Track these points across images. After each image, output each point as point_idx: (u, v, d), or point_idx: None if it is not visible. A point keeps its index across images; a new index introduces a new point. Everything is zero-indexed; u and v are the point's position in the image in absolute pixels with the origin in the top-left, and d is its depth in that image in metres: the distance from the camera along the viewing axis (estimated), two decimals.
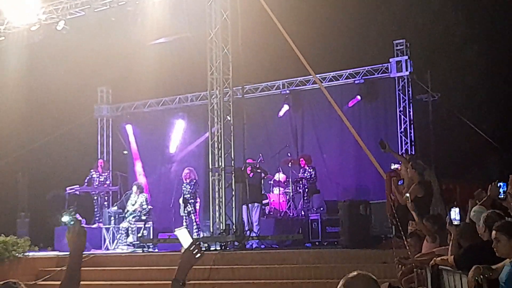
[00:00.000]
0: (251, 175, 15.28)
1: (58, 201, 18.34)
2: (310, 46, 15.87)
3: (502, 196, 7.33)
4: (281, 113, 18.06)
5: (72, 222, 4.00)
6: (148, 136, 20.11)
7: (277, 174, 16.57)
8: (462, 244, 6.82)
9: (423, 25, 21.17)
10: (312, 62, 14.76)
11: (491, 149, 17.07)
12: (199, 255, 3.77)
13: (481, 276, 5.64)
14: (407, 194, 9.10)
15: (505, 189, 7.32)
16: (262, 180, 15.97)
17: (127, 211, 16.96)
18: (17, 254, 13.28)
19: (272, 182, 16.62)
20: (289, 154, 16.94)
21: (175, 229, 4.01)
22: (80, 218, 4.15)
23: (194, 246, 3.77)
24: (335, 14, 17.06)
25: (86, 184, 18.26)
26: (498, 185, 7.42)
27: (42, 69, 17.72)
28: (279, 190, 16.37)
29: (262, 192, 16.17)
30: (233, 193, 14.10)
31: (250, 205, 14.77)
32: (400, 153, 15.93)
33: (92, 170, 18.61)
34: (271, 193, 16.50)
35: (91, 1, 15.58)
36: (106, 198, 19.06)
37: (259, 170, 15.66)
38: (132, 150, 20.41)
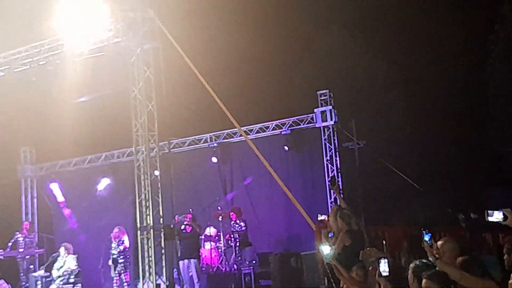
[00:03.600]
0: (188, 230, 15.08)
1: None
2: (235, 99, 16.05)
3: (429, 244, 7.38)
4: (214, 160, 17.94)
5: None
6: (75, 194, 19.65)
7: (208, 228, 16.38)
8: None
9: (345, 73, 21.71)
10: (238, 115, 14.80)
11: (415, 192, 17.42)
12: None
13: None
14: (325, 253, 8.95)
15: (429, 238, 7.38)
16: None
17: (55, 274, 16.42)
18: None
19: (203, 237, 16.42)
20: (219, 208, 16.81)
21: None
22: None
23: None
24: (260, 67, 17.33)
25: (10, 247, 17.64)
26: (425, 234, 7.48)
27: None
28: (211, 245, 16.17)
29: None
30: (163, 251, 13.82)
31: (186, 261, 14.54)
32: (329, 203, 16.08)
33: (17, 233, 18.03)
34: (202, 248, 16.28)
35: (10, 61, 15.28)
36: (32, 261, 18.44)
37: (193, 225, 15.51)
38: (60, 204, 19.89)
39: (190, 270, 14.56)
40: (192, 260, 14.70)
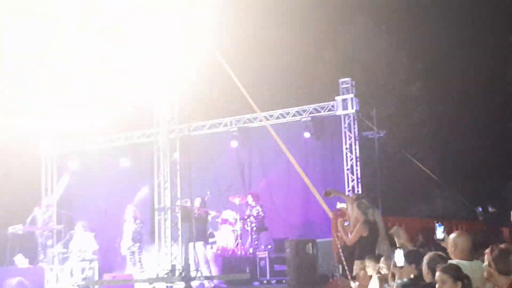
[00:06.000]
0: (199, 213, 15.18)
1: (0, 241, 17.84)
2: (257, 84, 16.04)
3: (442, 237, 7.37)
4: (233, 144, 17.99)
5: None
6: (94, 173, 19.80)
7: (224, 212, 16.45)
8: None
9: (368, 63, 21.60)
10: (259, 100, 14.88)
11: (435, 185, 17.36)
12: None
13: None
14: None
15: (443, 230, 7.37)
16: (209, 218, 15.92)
17: (72, 250, 16.62)
18: None
19: (219, 220, 16.50)
20: (236, 192, 16.87)
21: None
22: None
23: None
24: (282, 53, 17.30)
25: (29, 223, 17.84)
26: (438, 226, 7.47)
27: None
28: (227, 228, 16.24)
29: (209, 231, 16.12)
30: (179, 232, 13.92)
31: (196, 243, 14.61)
32: (346, 191, 16.06)
33: (36, 209, 18.24)
34: (218, 231, 16.36)
35: None
36: (50, 237, 18.66)
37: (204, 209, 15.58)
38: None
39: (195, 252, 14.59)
40: (199, 243, 14.75)
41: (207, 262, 14.89)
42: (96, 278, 16.10)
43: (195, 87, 14.76)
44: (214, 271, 14.90)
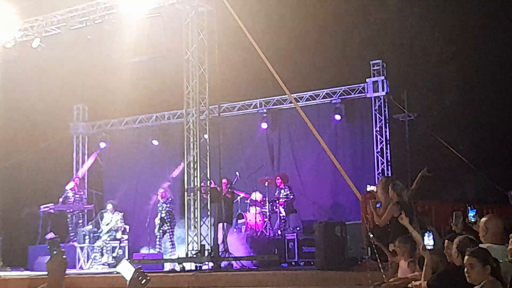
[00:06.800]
0: (227, 195, 15.25)
1: (32, 219, 18.14)
2: (287, 65, 15.93)
3: (473, 221, 7.31)
4: (263, 126, 17.98)
5: (55, 252, 3.95)
6: (125, 153, 19.96)
7: (253, 193, 16.49)
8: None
9: (400, 45, 21.31)
10: (289, 81, 14.77)
11: (467, 169, 17.15)
12: (144, 280, 3.76)
13: None
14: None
15: (474, 214, 7.30)
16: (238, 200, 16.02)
17: (102, 230, 16.83)
18: None
19: (248, 201, 16.54)
20: (266, 174, 16.89)
21: (117, 266, 3.99)
22: (63, 250, 4.06)
23: (138, 273, 3.76)
24: (313, 34, 17.14)
25: (60, 202, 18.09)
26: (470, 210, 7.40)
27: (17, 86, 17.57)
28: (256, 210, 16.28)
29: (238, 212, 16.19)
30: (209, 213, 13.99)
31: (224, 224, 14.69)
32: (376, 174, 16.00)
33: (67, 188, 18.47)
34: (247, 212, 16.42)
35: (67, 19, 15.47)
36: (80, 216, 18.89)
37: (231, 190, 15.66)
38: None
39: (223, 233, 14.64)
40: (224, 224, 14.80)
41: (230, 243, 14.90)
42: (126, 257, 16.28)
43: (225, 68, 14.74)
44: (243, 252, 14.96)
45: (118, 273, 3.93)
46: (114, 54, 15.90)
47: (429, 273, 6.93)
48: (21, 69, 17.01)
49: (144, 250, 16.69)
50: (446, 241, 6.91)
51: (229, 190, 15.76)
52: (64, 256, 3.30)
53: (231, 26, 14.11)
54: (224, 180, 15.16)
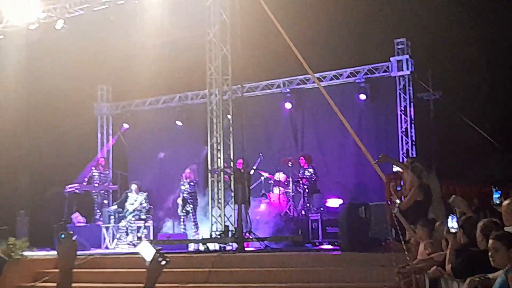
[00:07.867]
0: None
1: (58, 199, 18.32)
2: (310, 45, 15.78)
3: (498, 202, 7.24)
4: (287, 106, 17.91)
5: (62, 236, 3.95)
6: (148, 134, 20.04)
7: (277, 173, 16.49)
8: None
9: (424, 23, 21.01)
10: (313, 61, 14.67)
11: (493, 149, 16.96)
12: (164, 262, 3.77)
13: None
14: (397, 201, 9.25)
15: (500, 196, 7.23)
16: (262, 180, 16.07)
17: (127, 210, 16.97)
18: (15, 255, 13.16)
19: (272, 181, 16.56)
20: (289, 154, 16.86)
21: (137, 247, 4.00)
22: (71, 232, 4.09)
23: (158, 255, 3.77)
24: (336, 13, 16.94)
25: (86, 182, 18.26)
26: (494, 192, 7.34)
27: (41, 68, 17.65)
28: (279, 190, 16.30)
29: (262, 192, 16.23)
30: (232, 194, 14.01)
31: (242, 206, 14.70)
32: (401, 154, 15.88)
33: (93, 168, 18.64)
34: (271, 192, 16.43)
35: (90, 0, 15.49)
36: (106, 196, 19.08)
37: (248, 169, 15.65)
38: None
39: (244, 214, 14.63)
40: (242, 205, 14.77)
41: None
42: (151, 237, 16.42)
43: (248, 48, 14.67)
44: (267, 233, 15.00)
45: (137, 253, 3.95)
46: (136, 35, 15.93)
47: (453, 256, 6.89)
48: (45, 51, 17.08)
49: (167, 230, 16.81)
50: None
51: (246, 168, 15.68)
52: (74, 238, 3.32)
53: (254, 6, 14.02)
54: (239, 160, 15.10)
